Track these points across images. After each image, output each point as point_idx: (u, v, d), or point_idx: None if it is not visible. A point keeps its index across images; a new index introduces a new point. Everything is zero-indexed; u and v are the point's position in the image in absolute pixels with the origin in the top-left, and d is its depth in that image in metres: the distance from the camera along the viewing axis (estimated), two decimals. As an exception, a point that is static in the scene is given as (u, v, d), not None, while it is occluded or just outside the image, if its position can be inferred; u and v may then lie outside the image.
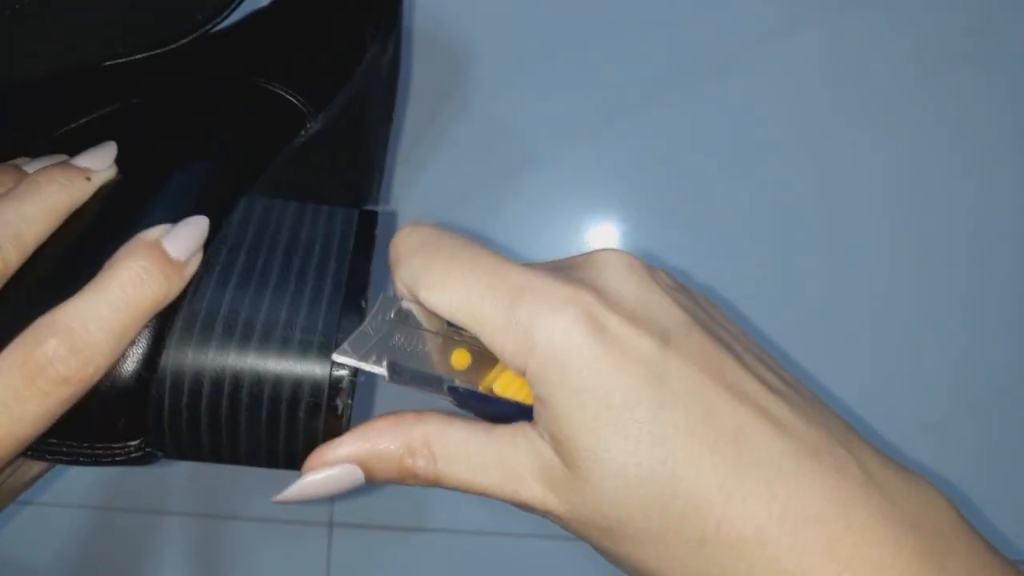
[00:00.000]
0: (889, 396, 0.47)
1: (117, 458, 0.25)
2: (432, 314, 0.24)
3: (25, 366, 0.22)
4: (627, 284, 0.24)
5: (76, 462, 0.25)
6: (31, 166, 0.27)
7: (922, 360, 0.48)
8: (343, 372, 0.25)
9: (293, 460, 0.26)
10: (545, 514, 0.24)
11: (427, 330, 0.25)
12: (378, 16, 0.36)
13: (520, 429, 0.24)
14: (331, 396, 0.25)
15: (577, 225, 0.48)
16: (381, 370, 0.24)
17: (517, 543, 0.47)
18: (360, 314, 0.25)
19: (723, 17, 0.49)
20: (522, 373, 0.23)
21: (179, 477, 0.48)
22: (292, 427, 0.25)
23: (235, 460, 0.26)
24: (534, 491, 0.24)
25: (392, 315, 0.25)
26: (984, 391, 0.48)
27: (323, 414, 0.25)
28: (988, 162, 0.48)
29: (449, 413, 0.25)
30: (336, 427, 0.25)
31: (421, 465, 0.24)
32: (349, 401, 0.25)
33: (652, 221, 0.48)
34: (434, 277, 0.24)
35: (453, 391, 0.25)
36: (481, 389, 0.25)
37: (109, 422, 0.24)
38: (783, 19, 0.49)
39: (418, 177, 0.48)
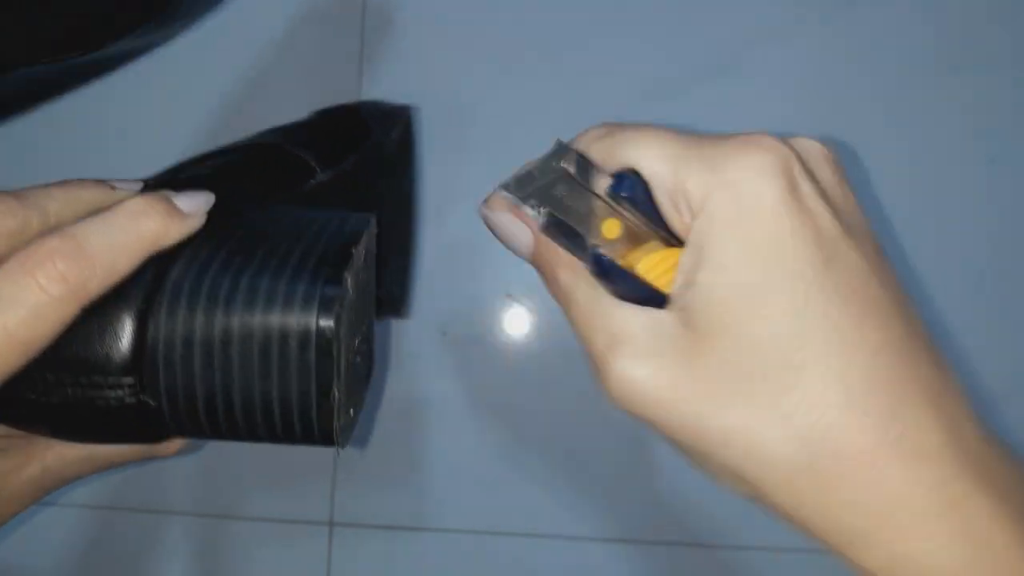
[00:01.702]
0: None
1: (111, 401, 0.24)
2: (598, 175, 0.24)
3: (27, 260, 0.22)
4: (825, 167, 0.23)
5: (67, 414, 0.24)
6: (122, 185, 0.27)
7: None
8: (334, 292, 0.24)
9: (288, 411, 0.25)
10: (607, 379, 0.23)
11: (589, 190, 0.24)
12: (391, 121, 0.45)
13: (640, 309, 0.23)
14: (320, 317, 0.24)
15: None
16: (536, 215, 0.24)
17: (517, 543, 0.47)
18: (342, 283, 0.25)
19: (723, 17, 0.49)
20: (690, 215, 0.22)
21: (179, 477, 0.48)
22: (284, 364, 0.25)
23: (230, 412, 0.25)
24: (633, 355, 0.22)
25: (560, 164, 0.24)
26: (984, 392, 0.48)
27: (313, 342, 0.24)
28: (988, 162, 0.49)
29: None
30: (327, 368, 0.25)
31: (564, 278, 0.24)
32: (338, 333, 0.25)
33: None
34: (621, 129, 0.24)
35: (596, 257, 0.24)
36: (622, 264, 0.24)
37: (104, 351, 0.24)
38: (783, 19, 0.49)
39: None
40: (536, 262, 0.25)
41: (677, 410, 0.22)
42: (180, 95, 0.50)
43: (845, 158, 0.25)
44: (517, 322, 0.48)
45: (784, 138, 0.23)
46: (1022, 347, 0.48)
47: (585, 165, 0.24)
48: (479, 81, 0.49)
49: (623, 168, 0.23)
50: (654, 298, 0.23)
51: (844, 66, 0.49)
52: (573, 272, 0.24)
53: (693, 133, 0.24)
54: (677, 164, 0.22)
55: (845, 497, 0.20)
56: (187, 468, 0.49)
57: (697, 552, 0.47)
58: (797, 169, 0.22)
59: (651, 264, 0.24)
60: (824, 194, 0.22)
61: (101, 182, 0.26)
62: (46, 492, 0.27)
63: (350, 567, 0.48)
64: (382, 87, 0.49)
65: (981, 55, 0.49)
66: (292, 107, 0.50)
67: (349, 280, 0.25)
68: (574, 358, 0.46)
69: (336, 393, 0.24)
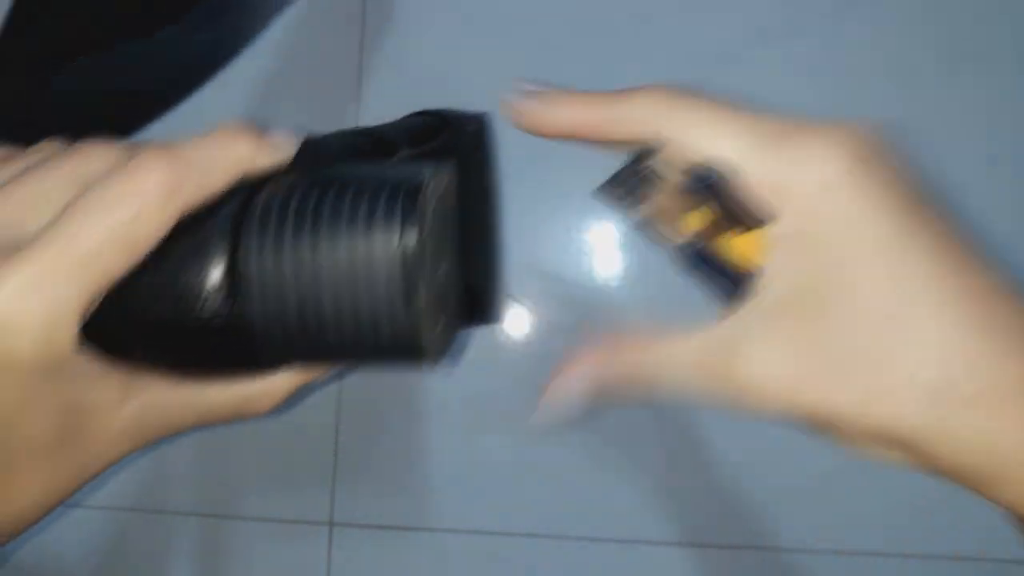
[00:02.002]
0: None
1: (205, 317, 0.25)
2: (677, 169, 0.24)
3: (127, 168, 0.23)
4: (890, 149, 0.24)
5: (162, 333, 0.25)
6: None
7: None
8: (414, 205, 0.24)
9: (377, 318, 0.25)
10: (751, 389, 0.23)
11: (670, 183, 0.25)
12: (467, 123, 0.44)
13: (723, 322, 0.24)
14: (404, 227, 0.24)
15: (577, 224, 0.48)
16: (631, 217, 0.25)
17: (517, 543, 0.47)
18: (420, 196, 0.25)
19: (723, 17, 0.49)
20: (775, 205, 0.23)
21: (179, 477, 0.48)
22: (370, 270, 0.25)
23: (321, 324, 0.25)
24: (755, 359, 0.23)
25: (646, 164, 0.25)
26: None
27: (397, 245, 0.24)
28: (988, 161, 0.49)
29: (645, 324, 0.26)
30: (411, 272, 0.25)
31: (638, 385, 0.25)
32: (421, 244, 0.25)
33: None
34: (696, 116, 0.24)
35: (688, 250, 0.24)
36: (712, 251, 0.25)
37: (198, 267, 0.25)
38: (782, 19, 0.49)
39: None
40: (608, 387, 0.25)
41: (813, 393, 0.23)
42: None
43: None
44: (517, 322, 0.48)
45: (848, 124, 0.24)
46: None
47: (664, 162, 0.25)
48: (479, 81, 0.49)
49: (699, 163, 0.24)
50: (742, 283, 0.24)
51: (844, 66, 0.49)
52: (640, 349, 0.24)
53: (758, 113, 0.24)
54: (754, 158, 0.23)
55: (977, 440, 0.22)
56: (187, 468, 0.49)
57: (697, 553, 0.47)
58: (869, 151, 0.23)
59: (739, 249, 0.24)
60: (896, 170, 0.23)
61: (264, 138, 0.27)
62: (146, 440, 0.26)
63: (350, 567, 0.48)
64: (382, 86, 0.49)
65: (981, 54, 0.49)
66: (291, 106, 0.50)
67: (429, 198, 0.25)
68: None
69: (422, 294, 0.24)
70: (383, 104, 0.49)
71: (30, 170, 0.23)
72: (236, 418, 0.28)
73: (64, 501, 0.25)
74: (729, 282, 0.24)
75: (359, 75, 0.49)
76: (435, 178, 0.26)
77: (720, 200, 0.24)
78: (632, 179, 0.25)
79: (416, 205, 0.24)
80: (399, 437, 0.48)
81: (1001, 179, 0.48)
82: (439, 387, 0.48)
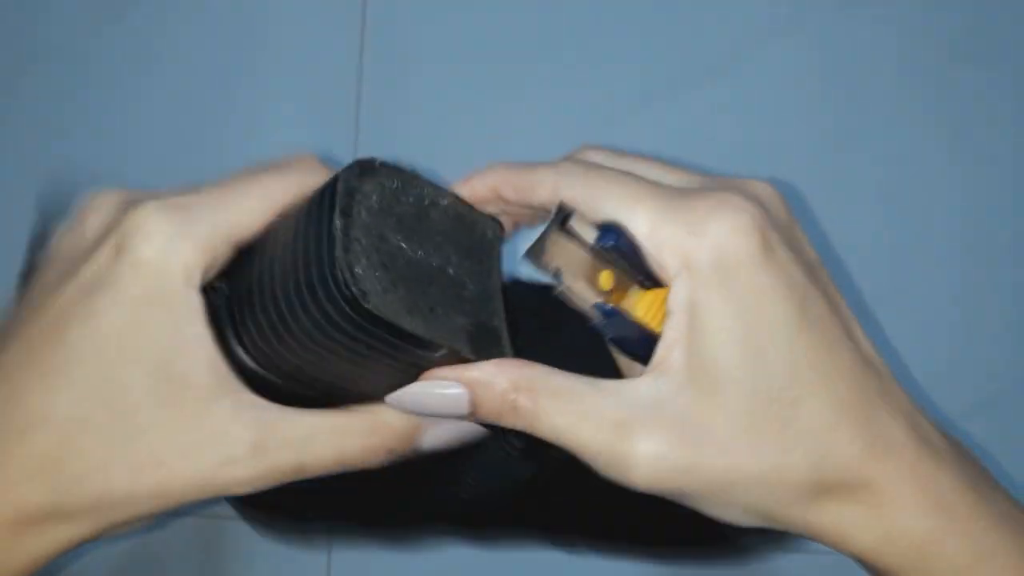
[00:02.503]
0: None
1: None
2: (586, 228, 0.26)
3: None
4: (781, 212, 0.25)
5: None
6: None
7: (917, 362, 0.48)
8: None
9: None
10: (631, 467, 0.24)
11: (584, 245, 0.26)
12: None
13: (626, 383, 0.24)
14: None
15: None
16: (552, 280, 0.26)
17: (517, 543, 0.47)
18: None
19: (723, 17, 0.49)
20: (672, 271, 0.24)
21: (179, 477, 0.48)
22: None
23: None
24: (638, 442, 0.23)
25: (560, 230, 0.26)
26: (981, 392, 0.48)
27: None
28: (989, 161, 0.49)
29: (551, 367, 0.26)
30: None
31: (523, 401, 0.24)
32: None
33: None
34: (600, 184, 0.25)
35: (601, 308, 0.25)
36: (618, 310, 0.26)
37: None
38: (781, 18, 0.49)
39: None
40: (482, 408, 0.25)
41: (706, 471, 0.24)
42: (178, 90, 0.50)
43: (788, 197, 0.27)
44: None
45: (743, 185, 0.25)
46: (1021, 344, 0.48)
47: (576, 221, 0.26)
48: (479, 81, 0.49)
49: (606, 221, 0.25)
50: (649, 341, 0.25)
51: (844, 66, 0.49)
52: (534, 392, 0.24)
53: (667, 177, 0.26)
54: (656, 223, 0.24)
55: (846, 497, 0.23)
56: (187, 468, 0.49)
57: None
58: (766, 225, 0.24)
59: (645, 308, 0.25)
60: (788, 242, 0.24)
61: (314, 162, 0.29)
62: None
63: (350, 567, 0.48)
64: (382, 87, 0.49)
65: (981, 54, 0.49)
66: (291, 106, 0.50)
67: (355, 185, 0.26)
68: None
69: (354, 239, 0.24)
70: (383, 104, 0.49)
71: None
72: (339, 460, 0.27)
73: (144, 521, 0.26)
74: (637, 341, 0.25)
75: (359, 75, 0.49)
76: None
77: (625, 257, 0.25)
78: (550, 243, 0.26)
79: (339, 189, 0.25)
80: (399, 437, 0.48)
81: (1002, 179, 0.48)
82: (439, 387, 0.48)
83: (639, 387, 0.24)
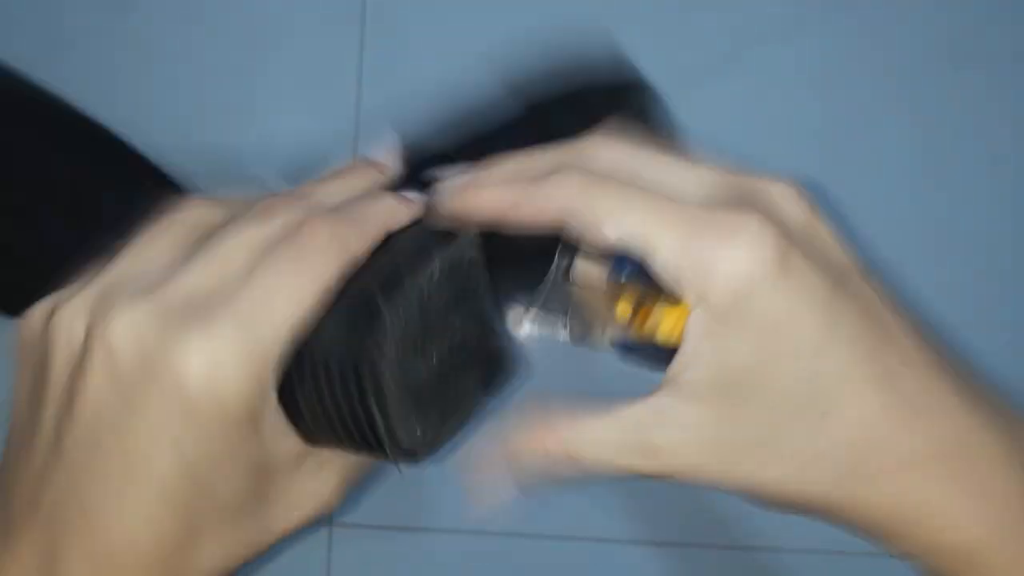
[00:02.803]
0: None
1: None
2: (595, 266, 0.25)
3: (303, 229, 0.25)
4: (801, 217, 0.24)
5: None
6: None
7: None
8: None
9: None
10: (688, 480, 0.24)
11: (595, 280, 0.25)
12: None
13: (646, 401, 0.24)
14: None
15: (577, 225, 0.48)
16: (565, 335, 0.26)
17: (517, 543, 0.47)
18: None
19: (723, 17, 0.49)
20: (689, 302, 0.23)
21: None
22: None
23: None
24: (681, 458, 0.24)
25: (555, 277, 0.26)
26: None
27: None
28: (989, 161, 0.49)
29: (565, 402, 0.26)
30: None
31: (563, 467, 0.25)
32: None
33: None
34: (610, 205, 0.24)
35: (618, 346, 0.25)
36: (638, 334, 0.25)
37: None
38: (783, 18, 0.49)
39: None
40: (534, 474, 0.26)
41: (735, 479, 0.24)
42: (175, 89, 0.50)
43: (814, 192, 0.26)
44: (518, 322, 0.48)
45: (760, 188, 0.24)
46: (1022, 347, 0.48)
47: (582, 263, 0.26)
48: (479, 81, 0.49)
49: (617, 252, 0.25)
50: (672, 357, 0.24)
51: (844, 66, 0.49)
52: (563, 429, 0.25)
53: (685, 182, 0.24)
54: (670, 255, 0.24)
55: (882, 506, 0.23)
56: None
57: (698, 552, 0.47)
58: (782, 241, 0.23)
59: (673, 323, 0.25)
60: (809, 252, 0.24)
61: (403, 202, 0.28)
62: (326, 501, 0.29)
63: (350, 567, 0.48)
64: (382, 86, 0.49)
65: (983, 53, 0.49)
66: (291, 105, 0.50)
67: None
68: (575, 357, 0.46)
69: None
70: (383, 104, 0.49)
71: (216, 237, 0.25)
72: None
73: (239, 569, 0.27)
74: (661, 357, 0.25)
75: (359, 75, 0.49)
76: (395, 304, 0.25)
77: (642, 278, 0.24)
78: (556, 293, 0.26)
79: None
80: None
81: (1002, 179, 0.48)
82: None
83: (666, 411, 0.24)
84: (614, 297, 0.25)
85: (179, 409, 0.22)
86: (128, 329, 0.22)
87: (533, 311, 0.26)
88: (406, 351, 0.25)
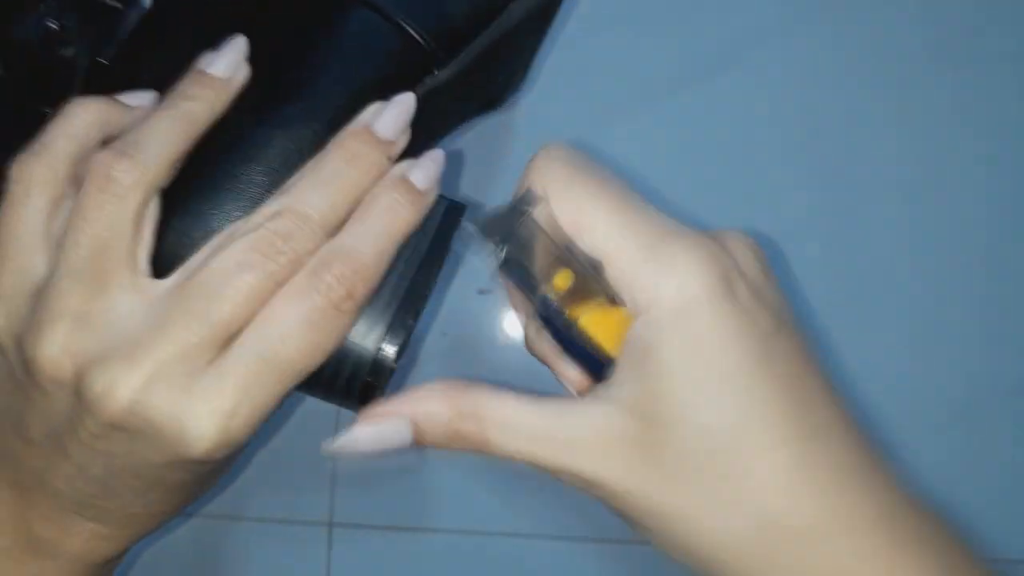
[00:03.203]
0: (886, 397, 0.47)
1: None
2: (557, 226, 0.25)
3: (320, 285, 0.24)
4: (754, 265, 0.25)
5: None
6: (133, 100, 0.28)
7: (920, 361, 0.48)
8: (391, 350, 0.26)
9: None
10: (592, 485, 0.24)
11: (549, 237, 0.25)
12: None
13: (568, 403, 0.24)
14: (372, 374, 0.26)
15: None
16: (499, 254, 0.25)
17: (517, 543, 0.47)
18: (407, 331, 0.27)
19: (723, 17, 0.49)
20: (633, 312, 0.23)
21: (179, 477, 0.48)
22: (330, 395, 0.28)
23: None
24: (590, 458, 0.24)
25: (527, 208, 0.25)
26: (991, 388, 0.48)
27: (359, 389, 0.27)
28: (989, 160, 0.49)
29: (498, 385, 0.26)
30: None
31: (470, 428, 0.25)
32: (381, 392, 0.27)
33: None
34: (584, 193, 0.24)
35: (545, 303, 0.25)
36: (568, 314, 0.25)
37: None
38: (781, 18, 0.49)
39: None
40: (427, 438, 0.26)
41: (639, 499, 0.24)
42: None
43: (767, 250, 0.26)
44: (518, 323, 0.48)
45: (719, 235, 0.25)
46: (1020, 343, 0.48)
47: (549, 216, 0.25)
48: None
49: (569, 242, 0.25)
50: (591, 361, 0.25)
51: (844, 65, 0.49)
52: (480, 419, 0.25)
53: (639, 206, 0.25)
54: (625, 252, 0.24)
55: (792, 572, 0.23)
56: (187, 468, 0.49)
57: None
58: (733, 272, 0.23)
59: (595, 320, 0.25)
60: (756, 292, 0.24)
61: (207, 79, 0.27)
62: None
63: (350, 567, 0.48)
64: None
65: (981, 52, 0.49)
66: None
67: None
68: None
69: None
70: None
71: (218, 274, 0.24)
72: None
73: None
74: (578, 346, 0.25)
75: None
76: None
77: (589, 265, 0.24)
78: (511, 220, 0.25)
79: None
80: (399, 437, 0.48)
81: (1002, 178, 0.48)
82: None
83: (587, 412, 0.24)
84: (559, 264, 0.25)
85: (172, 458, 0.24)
86: (138, 394, 0.23)
87: (477, 223, 0.26)
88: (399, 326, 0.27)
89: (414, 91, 0.28)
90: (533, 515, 0.47)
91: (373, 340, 0.26)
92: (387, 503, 0.48)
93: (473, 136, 0.48)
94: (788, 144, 0.49)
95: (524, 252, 0.25)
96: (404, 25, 0.30)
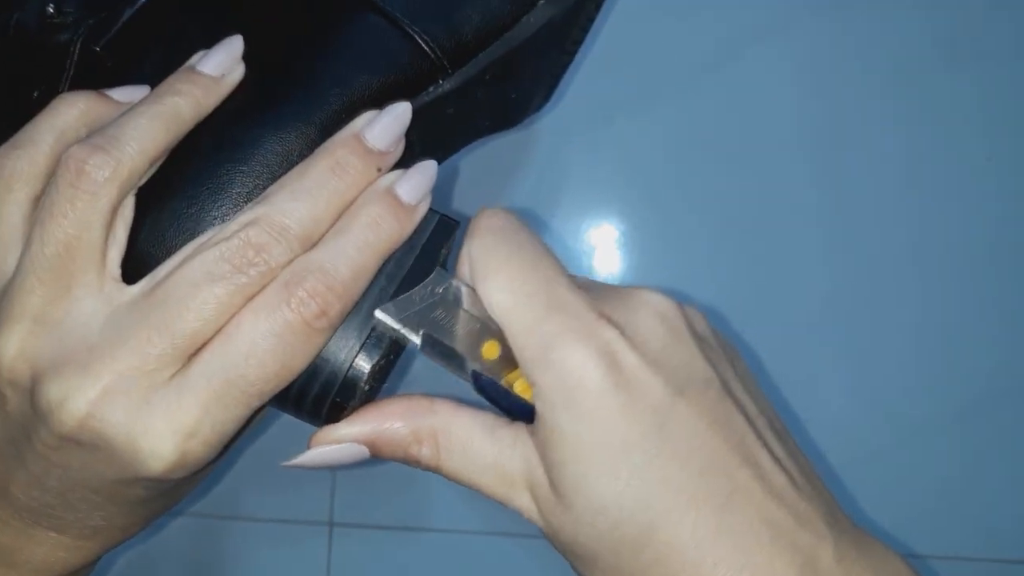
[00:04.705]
0: (889, 395, 0.47)
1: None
2: (477, 299, 0.25)
3: (291, 301, 0.23)
4: (657, 329, 0.24)
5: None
6: (121, 95, 0.27)
7: (922, 360, 0.48)
8: (363, 370, 0.25)
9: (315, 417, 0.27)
10: (532, 523, 0.25)
11: (469, 313, 0.25)
12: None
13: (520, 436, 0.24)
14: (341, 394, 0.25)
15: (576, 224, 0.48)
16: (415, 338, 0.25)
17: (517, 543, 0.47)
18: (383, 351, 0.26)
19: (723, 17, 0.49)
20: (532, 384, 0.24)
21: (179, 477, 0.48)
22: (299, 413, 0.26)
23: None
24: (523, 500, 0.24)
25: (440, 290, 0.25)
26: (982, 392, 0.48)
27: (327, 409, 0.26)
28: (996, 159, 0.49)
29: (459, 401, 0.26)
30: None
31: (425, 454, 0.25)
32: (354, 404, 0.26)
33: (651, 220, 0.48)
34: (491, 265, 0.24)
35: (476, 377, 0.25)
36: (503, 383, 0.25)
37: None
38: (782, 19, 0.49)
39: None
40: (384, 455, 0.26)
41: (561, 537, 0.24)
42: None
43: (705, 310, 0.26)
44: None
45: (626, 297, 0.24)
46: (1021, 343, 0.48)
47: (465, 293, 0.25)
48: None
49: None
50: (529, 411, 0.24)
51: (844, 65, 0.49)
52: (434, 444, 0.25)
53: (536, 281, 0.24)
54: (516, 336, 0.24)
55: None
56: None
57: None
58: (618, 346, 0.23)
59: (525, 385, 0.25)
60: (654, 361, 0.23)
61: (196, 76, 0.26)
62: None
63: (350, 567, 0.48)
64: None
65: (980, 50, 0.49)
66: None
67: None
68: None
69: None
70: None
71: (181, 285, 0.23)
72: None
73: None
74: (515, 407, 0.25)
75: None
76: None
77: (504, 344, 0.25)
78: (424, 302, 0.25)
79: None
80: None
81: (1008, 176, 0.48)
82: (440, 388, 0.48)
83: (522, 450, 0.24)
84: (486, 335, 0.25)
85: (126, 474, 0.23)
86: (102, 407, 0.22)
87: (397, 307, 0.25)
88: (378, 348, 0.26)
89: (417, 101, 0.27)
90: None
91: (345, 358, 0.25)
92: (387, 503, 0.48)
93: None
94: (795, 140, 0.48)
95: (443, 331, 0.25)
96: (410, 32, 0.29)
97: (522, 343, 0.24)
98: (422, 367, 0.48)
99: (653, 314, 0.24)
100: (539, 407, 0.23)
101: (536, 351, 0.23)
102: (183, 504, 0.48)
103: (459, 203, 0.48)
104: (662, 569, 0.22)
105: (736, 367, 0.26)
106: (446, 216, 0.27)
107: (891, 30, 0.49)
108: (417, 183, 0.25)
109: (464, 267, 0.25)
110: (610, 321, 0.23)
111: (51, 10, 0.29)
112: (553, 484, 0.23)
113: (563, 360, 0.23)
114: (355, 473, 0.48)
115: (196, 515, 0.48)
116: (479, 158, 0.48)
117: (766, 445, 0.23)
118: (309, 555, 0.47)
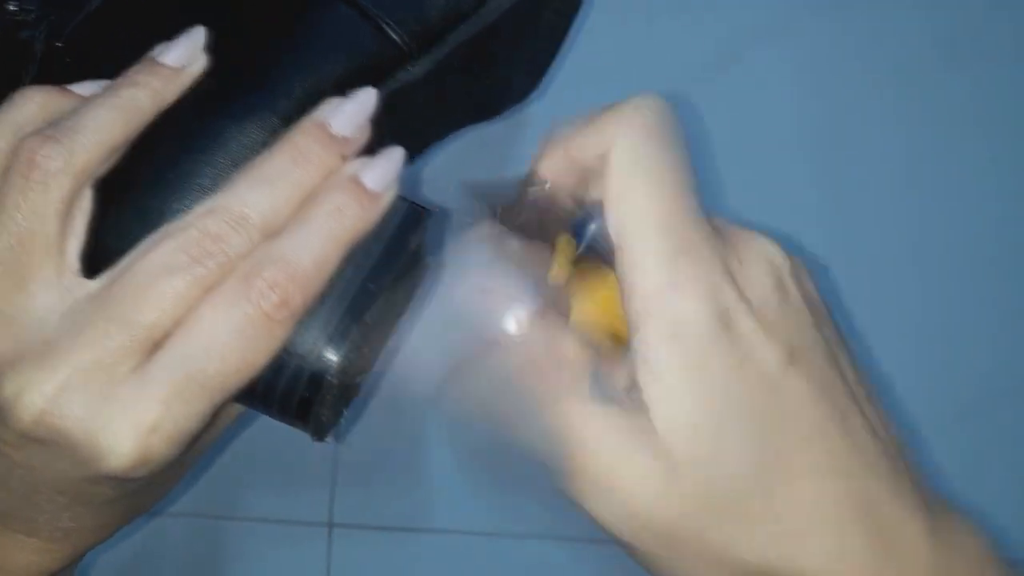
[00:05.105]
0: (889, 395, 0.47)
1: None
2: (568, 199, 0.24)
3: (250, 292, 0.22)
4: (771, 293, 0.23)
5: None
6: (81, 89, 0.26)
7: (922, 360, 0.48)
8: (330, 362, 0.24)
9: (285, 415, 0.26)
10: (602, 514, 0.25)
11: (555, 211, 0.24)
12: None
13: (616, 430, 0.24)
14: (309, 389, 0.25)
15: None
16: (505, 219, 0.24)
17: (517, 543, 0.47)
18: (350, 342, 0.25)
19: (723, 17, 0.49)
20: (631, 319, 0.23)
21: (179, 477, 0.48)
22: (268, 410, 0.26)
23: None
24: (617, 480, 0.24)
25: (534, 185, 0.24)
26: (982, 392, 0.48)
27: (296, 404, 0.25)
28: (998, 159, 0.49)
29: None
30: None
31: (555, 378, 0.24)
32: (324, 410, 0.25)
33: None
34: (636, 179, 0.23)
35: (546, 280, 0.24)
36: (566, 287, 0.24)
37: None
38: (781, 19, 0.49)
39: (418, 191, 0.48)
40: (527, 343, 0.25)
41: (655, 528, 0.23)
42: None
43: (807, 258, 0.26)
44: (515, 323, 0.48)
45: (741, 245, 0.24)
46: (1021, 343, 0.48)
47: (553, 194, 0.24)
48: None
49: (588, 212, 0.24)
50: (580, 335, 0.24)
51: (844, 65, 0.49)
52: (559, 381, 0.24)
53: (672, 214, 0.23)
54: (634, 270, 0.23)
55: None
56: (187, 468, 0.49)
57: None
58: (734, 306, 0.22)
59: (586, 313, 0.24)
60: (766, 321, 0.22)
61: (157, 68, 0.25)
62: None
63: (350, 567, 0.48)
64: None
65: (980, 50, 0.49)
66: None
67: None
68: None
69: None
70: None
71: (146, 275, 0.23)
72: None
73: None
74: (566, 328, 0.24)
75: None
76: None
77: (588, 255, 0.23)
78: (515, 190, 0.24)
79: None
80: (399, 437, 0.48)
81: (1010, 176, 0.48)
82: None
83: (618, 438, 0.23)
84: (558, 237, 0.24)
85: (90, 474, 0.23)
86: (64, 405, 0.22)
87: (483, 186, 0.24)
88: (353, 351, 0.25)
89: (385, 87, 0.27)
90: (531, 515, 0.47)
91: (310, 351, 0.24)
92: (387, 503, 0.48)
93: (475, 135, 0.48)
94: (795, 140, 0.49)
95: (527, 220, 0.24)
96: (375, 15, 0.29)
97: (639, 282, 0.22)
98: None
99: (768, 271, 0.23)
100: (650, 356, 0.22)
101: (651, 293, 0.22)
102: (183, 504, 0.48)
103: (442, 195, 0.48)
104: (772, 540, 0.22)
105: (836, 329, 0.25)
106: (416, 204, 0.26)
107: (891, 30, 0.49)
108: (383, 170, 0.25)
109: (597, 148, 0.23)
110: (727, 278, 0.22)
111: (13, 7, 0.29)
112: (666, 454, 0.22)
113: (677, 313, 0.22)
114: (355, 473, 0.48)
115: (196, 515, 0.48)
116: (465, 148, 0.48)
117: (863, 414, 0.23)
118: (309, 555, 0.47)
